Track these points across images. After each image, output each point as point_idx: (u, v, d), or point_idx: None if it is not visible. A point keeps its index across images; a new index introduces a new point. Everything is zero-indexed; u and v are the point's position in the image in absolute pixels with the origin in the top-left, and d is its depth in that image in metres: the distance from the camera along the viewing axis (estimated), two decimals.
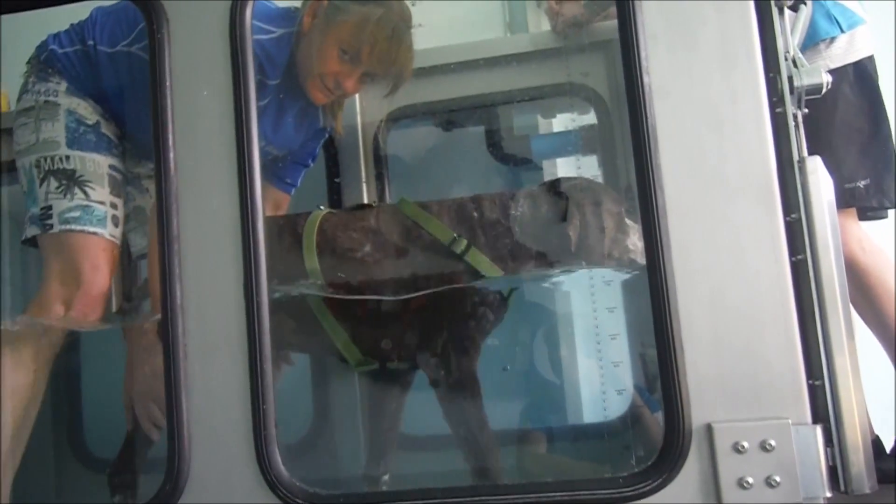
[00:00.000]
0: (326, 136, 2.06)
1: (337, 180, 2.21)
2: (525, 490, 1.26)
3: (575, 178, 1.70)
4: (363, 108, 2.23)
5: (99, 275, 1.65)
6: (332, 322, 1.71)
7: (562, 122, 2.29)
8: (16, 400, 1.62)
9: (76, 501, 2.24)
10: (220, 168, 1.34)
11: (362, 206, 1.77)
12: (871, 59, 1.97)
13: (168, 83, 1.38)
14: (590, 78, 2.06)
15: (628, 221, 1.59)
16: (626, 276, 1.78)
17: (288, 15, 1.79)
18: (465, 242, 1.58)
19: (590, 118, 2.13)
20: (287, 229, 1.66)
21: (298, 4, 1.83)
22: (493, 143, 2.33)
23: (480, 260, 1.58)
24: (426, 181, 2.38)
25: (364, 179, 2.21)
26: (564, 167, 2.22)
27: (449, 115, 2.29)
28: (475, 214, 1.60)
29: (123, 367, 1.78)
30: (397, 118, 2.22)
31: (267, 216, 1.84)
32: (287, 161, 2.01)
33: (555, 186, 1.63)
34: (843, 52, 1.94)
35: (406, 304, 1.69)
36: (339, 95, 1.86)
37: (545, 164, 2.30)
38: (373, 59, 1.76)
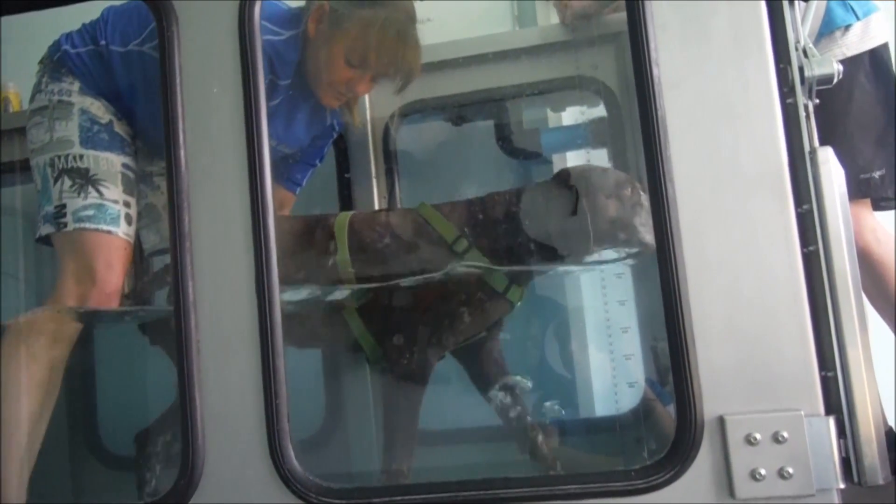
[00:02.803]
0: (336, 134, 2.07)
1: (347, 175, 2.21)
2: (537, 483, 1.27)
3: (574, 167, 1.73)
4: (373, 104, 2.23)
5: (113, 273, 1.66)
6: (354, 316, 1.75)
7: (571, 115, 2.28)
8: (32, 397, 1.64)
9: (93, 496, 2.25)
10: (231, 164, 1.35)
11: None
12: (885, 46, 1.96)
13: (178, 80, 1.39)
14: (599, 71, 2.05)
15: (642, 197, 1.60)
16: (638, 268, 1.77)
17: (295, 16, 1.80)
18: (465, 243, 1.68)
19: (599, 111, 2.13)
20: (319, 226, 1.78)
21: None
22: (503, 137, 2.33)
23: (477, 257, 1.67)
24: (436, 176, 2.38)
25: (374, 175, 2.21)
26: (574, 161, 2.22)
27: (458, 110, 2.29)
28: (480, 216, 1.70)
29: (137, 363, 1.79)
30: (407, 113, 2.23)
31: (297, 216, 1.91)
32: (294, 160, 2.02)
33: (557, 179, 1.68)
34: (858, 39, 1.93)
35: (414, 301, 1.74)
36: (350, 98, 1.87)
37: (555, 157, 2.30)
38: (380, 62, 1.77)
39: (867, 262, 1.88)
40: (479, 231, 1.69)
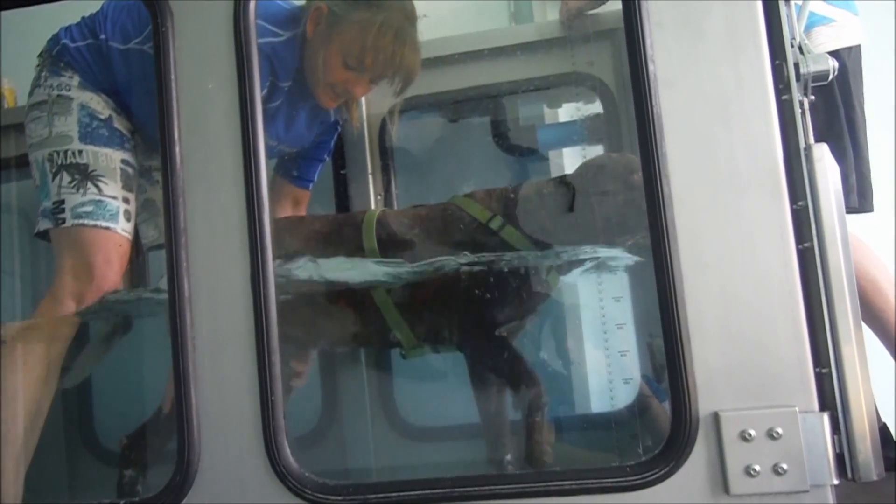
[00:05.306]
0: (340, 128, 2.06)
1: (343, 171, 2.21)
2: (532, 479, 1.27)
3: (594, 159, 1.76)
4: (368, 100, 2.23)
5: (111, 269, 1.66)
6: (391, 308, 1.74)
7: (567, 111, 2.28)
8: (29, 393, 1.64)
9: (88, 492, 2.26)
10: (227, 161, 1.35)
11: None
12: (848, 51, 1.95)
13: (173, 77, 1.38)
14: (595, 67, 2.05)
15: None
16: (632, 265, 1.78)
17: (294, 16, 1.79)
18: (500, 221, 1.70)
19: (595, 107, 2.13)
20: (347, 221, 1.82)
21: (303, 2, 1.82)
22: (499, 133, 2.33)
23: (512, 233, 1.69)
24: (432, 172, 2.38)
25: (370, 171, 2.21)
26: (570, 157, 2.22)
27: (454, 106, 2.29)
28: (511, 196, 1.72)
29: (132, 358, 1.79)
30: (403, 109, 2.22)
31: (329, 214, 1.96)
32: (302, 158, 2.02)
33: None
34: (820, 45, 1.92)
35: (453, 287, 1.74)
36: (348, 99, 1.87)
37: (551, 153, 2.30)
38: (378, 64, 1.76)
39: None
40: (512, 215, 1.70)
